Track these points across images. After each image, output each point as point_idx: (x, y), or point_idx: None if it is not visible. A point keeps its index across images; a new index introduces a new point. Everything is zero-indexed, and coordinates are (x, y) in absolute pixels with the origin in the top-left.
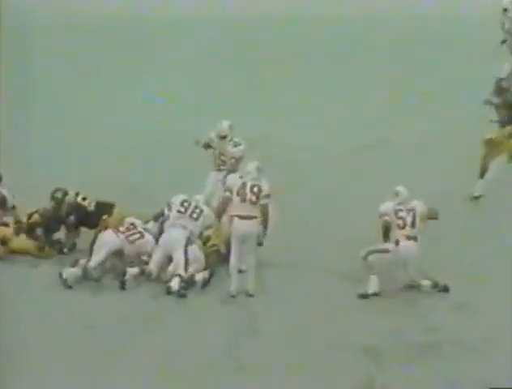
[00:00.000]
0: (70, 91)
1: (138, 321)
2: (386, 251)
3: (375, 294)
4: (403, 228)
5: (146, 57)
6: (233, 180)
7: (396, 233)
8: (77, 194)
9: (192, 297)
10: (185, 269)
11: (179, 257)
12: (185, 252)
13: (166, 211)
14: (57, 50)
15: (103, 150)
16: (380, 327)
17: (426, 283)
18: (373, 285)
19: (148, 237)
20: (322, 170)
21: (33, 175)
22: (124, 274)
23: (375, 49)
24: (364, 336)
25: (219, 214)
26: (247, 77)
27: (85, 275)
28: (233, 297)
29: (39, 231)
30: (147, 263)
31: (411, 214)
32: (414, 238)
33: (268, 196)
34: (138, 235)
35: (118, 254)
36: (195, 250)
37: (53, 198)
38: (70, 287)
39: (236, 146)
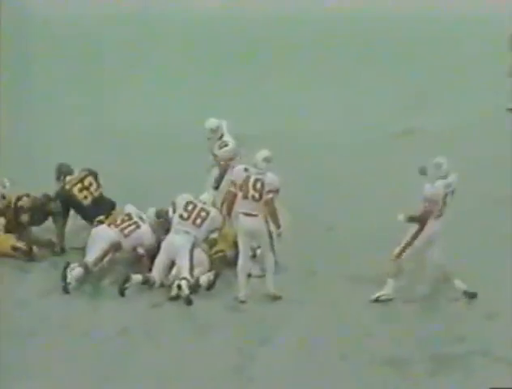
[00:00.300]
0: (70, 84)
1: (138, 331)
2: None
3: (389, 299)
4: (441, 214)
5: (147, 53)
6: (237, 173)
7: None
8: (81, 181)
9: (197, 304)
10: (191, 274)
11: (184, 261)
12: (191, 256)
13: (171, 213)
14: (58, 45)
15: (104, 145)
16: (401, 337)
17: (458, 282)
18: (388, 288)
19: (144, 227)
20: (338, 165)
21: (33, 170)
22: (125, 281)
23: (398, 41)
24: (384, 346)
25: (228, 210)
26: (259, 71)
27: (87, 271)
28: (242, 302)
29: (24, 217)
30: (143, 256)
31: (451, 196)
32: (440, 216)
33: (275, 191)
34: (133, 226)
35: (116, 248)
36: (199, 253)
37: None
38: (68, 292)
39: (221, 148)
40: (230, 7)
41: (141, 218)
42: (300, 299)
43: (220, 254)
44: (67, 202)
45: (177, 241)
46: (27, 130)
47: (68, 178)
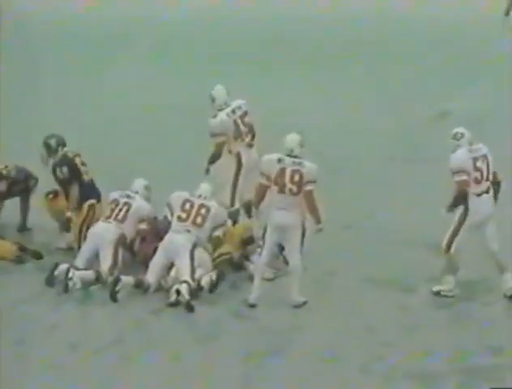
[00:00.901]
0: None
1: (133, 341)
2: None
3: (450, 296)
4: (480, 182)
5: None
6: (269, 164)
7: (470, 192)
8: (79, 155)
9: (200, 310)
10: (192, 277)
11: (185, 263)
12: (192, 258)
13: (168, 215)
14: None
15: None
16: (430, 347)
17: (509, 277)
18: (448, 284)
19: (136, 202)
20: (357, 156)
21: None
22: (114, 283)
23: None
24: (409, 358)
25: (257, 203)
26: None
27: (98, 280)
28: (252, 306)
29: (1, 186)
30: (146, 234)
31: (485, 162)
32: (487, 191)
33: (313, 182)
34: (124, 208)
35: (123, 242)
36: (200, 252)
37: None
38: (66, 292)
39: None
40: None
41: (128, 196)
42: (314, 304)
43: (225, 256)
44: (72, 170)
45: (177, 240)
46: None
47: (65, 149)
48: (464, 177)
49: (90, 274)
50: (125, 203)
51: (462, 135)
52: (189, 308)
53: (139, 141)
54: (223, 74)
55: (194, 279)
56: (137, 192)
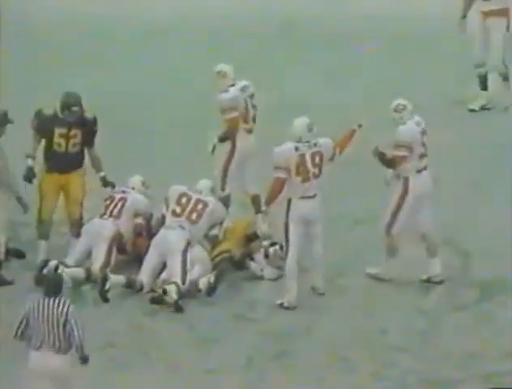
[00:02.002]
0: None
1: (127, 345)
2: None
3: (441, 281)
4: (423, 158)
5: None
6: (286, 155)
7: (408, 167)
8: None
9: (199, 312)
10: (183, 280)
11: (176, 264)
12: (184, 259)
13: (164, 210)
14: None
15: None
16: (446, 352)
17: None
18: (436, 267)
19: (132, 196)
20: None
21: None
22: (103, 282)
23: None
24: (425, 363)
25: (272, 200)
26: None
27: (89, 278)
28: (288, 308)
29: None
30: (142, 228)
31: (425, 137)
32: (426, 168)
33: (333, 158)
34: (120, 203)
35: (118, 240)
36: (198, 251)
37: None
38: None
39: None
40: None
41: (124, 191)
42: (322, 305)
43: (225, 254)
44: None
45: (170, 238)
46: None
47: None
48: (404, 153)
49: (80, 272)
50: (121, 199)
51: (405, 107)
52: (178, 308)
53: (138, 139)
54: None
55: (184, 282)
56: (133, 188)
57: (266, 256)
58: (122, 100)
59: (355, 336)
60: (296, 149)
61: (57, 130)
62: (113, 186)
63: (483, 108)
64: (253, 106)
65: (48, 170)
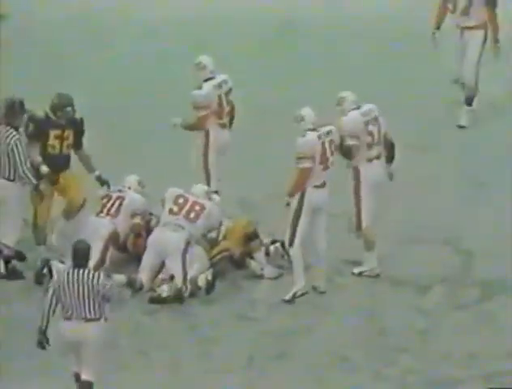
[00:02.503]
0: None
1: (127, 345)
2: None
3: (377, 275)
4: (371, 147)
5: None
6: (313, 144)
7: (360, 157)
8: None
9: (199, 311)
10: (185, 283)
11: (176, 266)
12: (184, 261)
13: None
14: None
15: None
16: (446, 351)
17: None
18: (371, 262)
19: (129, 196)
20: None
21: None
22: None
23: None
24: (426, 363)
25: (296, 191)
26: None
27: None
28: (304, 295)
29: None
30: (140, 228)
31: (376, 125)
32: (378, 157)
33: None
34: (117, 202)
35: (114, 239)
36: (195, 249)
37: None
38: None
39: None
40: None
41: (120, 190)
42: (323, 304)
43: (225, 253)
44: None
45: (169, 239)
46: None
47: None
48: (352, 142)
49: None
50: (118, 197)
51: (345, 99)
52: (179, 297)
53: (138, 139)
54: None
55: (185, 284)
56: (129, 188)
57: (267, 254)
58: (122, 100)
59: (355, 336)
60: (319, 137)
61: (52, 132)
62: (109, 185)
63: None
64: (229, 102)
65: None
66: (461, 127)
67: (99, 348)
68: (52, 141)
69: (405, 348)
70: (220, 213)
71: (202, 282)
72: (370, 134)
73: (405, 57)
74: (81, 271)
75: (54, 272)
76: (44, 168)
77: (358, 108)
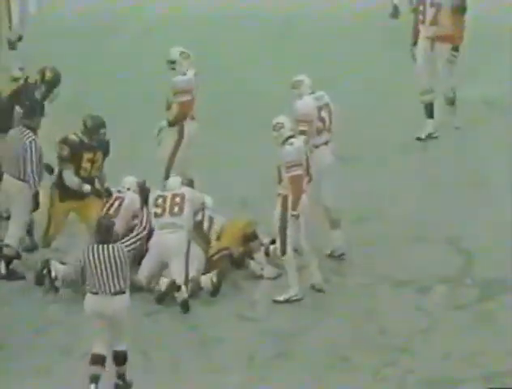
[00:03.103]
0: None
1: (128, 346)
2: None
3: (342, 254)
4: (321, 132)
5: None
6: (300, 149)
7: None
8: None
9: (200, 312)
10: (186, 283)
11: (179, 268)
12: (187, 262)
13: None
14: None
15: None
16: (447, 351)
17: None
18: (338, 240)
19: (129, 196)
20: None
21: None
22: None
23: None
24: (427, 363)
25: (299, 199)
26: None
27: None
28: (299, 300)
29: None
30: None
31: (327, 111)
32: (326, 143)
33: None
34: (117, 202)
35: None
36: (192, 247)
37: None
38: (57, 289)
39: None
40: None
41: (119, 191)
42: (324, 305)
43: (225, 252)
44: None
45: (170, 241)
46: None
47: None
48: (304, 128)
49: (72, 271)
50: (117, 198)
51: (302, 82)
52: (185, 307)
53: (137, 139)
54: None
55: (187, 284)
56: (128, 189)
57: (267, 254)
58: (122, 100)
59: (355, 336)
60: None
61: (86, 155)
62: (111, 194)
63: (430, 136)
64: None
65: (62, 198)
66: (418, 139)
67: (124, 321)
68: (85, 164)
69: (405, 348)
70: (200, 195)
71: (205, 283)
72: (322, 120)
73: (405, 56)
74: (105, 247)
75: (53, 273)
76: (87, 187)
77: (313, 93)
